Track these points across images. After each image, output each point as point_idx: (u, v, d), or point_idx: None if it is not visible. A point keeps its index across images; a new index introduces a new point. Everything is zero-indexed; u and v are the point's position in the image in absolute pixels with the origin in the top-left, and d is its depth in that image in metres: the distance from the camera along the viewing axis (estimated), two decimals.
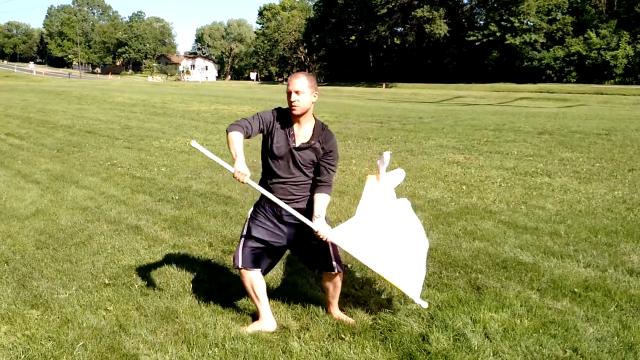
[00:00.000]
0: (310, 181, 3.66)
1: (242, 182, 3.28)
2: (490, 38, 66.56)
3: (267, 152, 3.62)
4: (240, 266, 3.70)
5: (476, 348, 3.38)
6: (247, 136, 3.49)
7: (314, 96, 3.52)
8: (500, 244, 5.48)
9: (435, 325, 3.67)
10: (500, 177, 8.90)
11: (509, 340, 3.49)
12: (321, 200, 3.58)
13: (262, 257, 3.73)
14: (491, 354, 3.34)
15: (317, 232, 3.47)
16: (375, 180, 3.94)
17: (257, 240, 3.68)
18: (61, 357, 3.35)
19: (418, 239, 3.86)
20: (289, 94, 3.46)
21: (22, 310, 4.03)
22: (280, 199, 3.55)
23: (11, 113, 21.83)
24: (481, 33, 67.75)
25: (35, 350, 3.44)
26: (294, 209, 3.54)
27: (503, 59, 66.55)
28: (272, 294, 4.23)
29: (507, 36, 64.89)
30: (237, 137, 3.39)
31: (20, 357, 3.38)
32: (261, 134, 3.62)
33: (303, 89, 3.45)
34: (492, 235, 5.77)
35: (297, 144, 3.55)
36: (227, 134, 3.42)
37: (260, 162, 3.72)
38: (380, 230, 3.71)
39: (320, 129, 3.60)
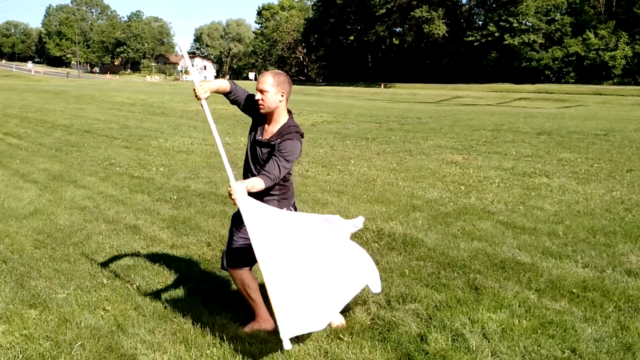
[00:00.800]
0: None
1: (198, 99, 3.38)
2: (489, 38, 66.63)
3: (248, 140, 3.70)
4: (226, 266, 3.70)
5: (474, 348, 3.38)
6: (234, 97, 3.61)
7: (282, 95, 3.49)
8: (498, 244, 5.48)
9: (433, 325, 3.67)
10: (498, 178, 8.91)
11: (507, 340, 3.49)
12: (255, 179, 3.37)
13: (248, 254, 3.57)
14: (489, 354, 3.34)
15: (230, 187, 3.25)
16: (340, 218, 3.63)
17: (241, 238, 3.65)
18: (59, 356, 3.35)
19: (340, 283, 3.44)
20: (256, 92, 3.49)
21: (20, 310, 4.02)
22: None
23: (9, 112, 21.79)
24: (480, 33, 67.83)
25: (33, 350, 3.44)
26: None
27: (502, 59, 66.61)
28: None
29: (505, 36, 64.95)
30: (221, 80, 3.55)
31: (18, 357, 3.37)
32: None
33: (267, 88, 3.44)
34: (491, 236, 5.77)
35: (261, 138, 3.57)
36: None
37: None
38: (302, 242, 3.41)
39: (284, 129, 3.52)
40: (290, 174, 3.66)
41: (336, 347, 3.43)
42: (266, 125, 3.59)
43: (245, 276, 3.68)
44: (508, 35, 64.94)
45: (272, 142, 3.49)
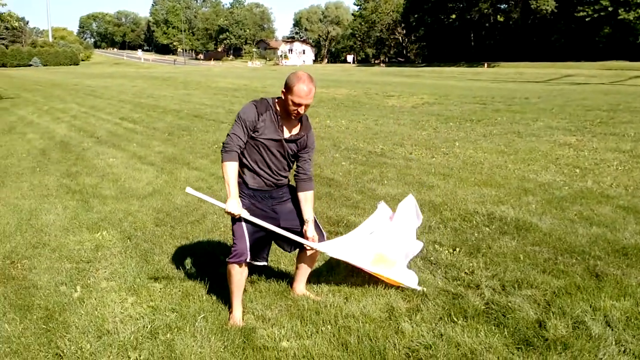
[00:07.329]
0: (290, 168, 3.80)
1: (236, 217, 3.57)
2: (602, 13, 62.59)
3: (257, 142, 3.58)
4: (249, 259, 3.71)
5: (597, 336, 3.24)
6: (242, 150, 3.64)
7: None
8: (619, 229, 5.20)
9: (552, 311, 3.55)
10: (616, 160, 8.41)
11: (632, 329, 3.32)
12: (309, 199, 3.81)
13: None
14: (613, 342, 3.19)
15: (311, 238, 3.76)
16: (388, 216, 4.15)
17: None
18: (184, 327, 3.55)
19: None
20: (299, 105, 3.42)
21: (146, 283, 4.29)
22: (269, 185, 3.72)
23: (124, 98, 23.13)
24: (591, 8, 63.87)
25: (161, 320, 3.66)
26: (280, 186, 3.79)
27: (615, 35, 62.46)
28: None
29: (620, 11, 60.77)
30: (231, 170, 3.59)
31: (147, 327, 3.60)
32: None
33: (312, 102, 3.52)
34: (611, 221, 5.47)
35: (287, 136, 3.60)
36: (222, 163, 3.61)
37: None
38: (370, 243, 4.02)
39: (307, 121, 3.69)
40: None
41: (451, 329, 3.40)
42: (284, 126, 3.57)
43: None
44: (622, 9, 60.70)
45: (303, 137, 3.65)
